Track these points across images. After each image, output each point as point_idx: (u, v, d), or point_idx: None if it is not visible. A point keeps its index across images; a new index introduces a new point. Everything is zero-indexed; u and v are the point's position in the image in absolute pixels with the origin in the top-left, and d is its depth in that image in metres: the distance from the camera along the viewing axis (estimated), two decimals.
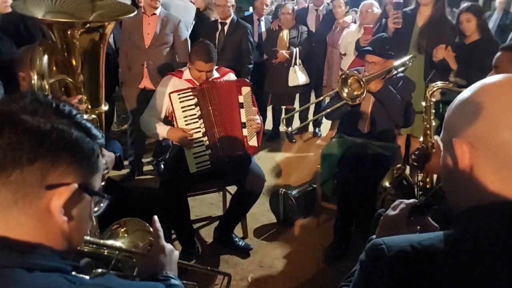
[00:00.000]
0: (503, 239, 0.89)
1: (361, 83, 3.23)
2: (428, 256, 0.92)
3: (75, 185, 0.91)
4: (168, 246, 1.47)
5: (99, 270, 1.43)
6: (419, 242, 0.95)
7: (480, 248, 0.89)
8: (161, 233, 1.49)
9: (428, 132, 2.42)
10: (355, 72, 3.33)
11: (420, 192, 2.36)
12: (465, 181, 0.96)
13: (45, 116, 0.89)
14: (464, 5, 4.16)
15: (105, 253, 1.49)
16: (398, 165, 2.71)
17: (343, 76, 3.33)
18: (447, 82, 2.50)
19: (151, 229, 1.58)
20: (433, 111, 2.47)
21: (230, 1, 4.94)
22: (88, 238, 1.38)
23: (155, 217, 1.54)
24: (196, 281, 2.05)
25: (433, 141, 2.41)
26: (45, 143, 0.87)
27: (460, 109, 0.99)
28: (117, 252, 1.48)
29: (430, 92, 2.41)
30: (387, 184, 2.61)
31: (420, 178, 2.44)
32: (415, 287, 0.92)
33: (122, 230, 1.63)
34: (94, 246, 1.43)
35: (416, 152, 2.44)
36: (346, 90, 3.33)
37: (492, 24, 6.84)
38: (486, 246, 0.89)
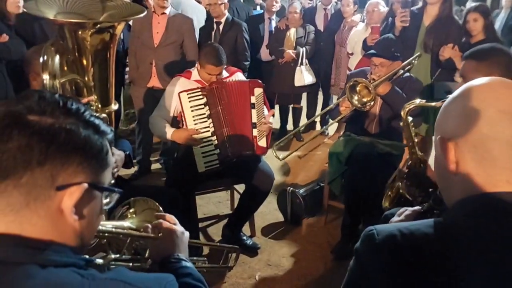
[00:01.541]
0: (487, 227, 0.94)
1: (370, 89, 3.25)
2: (414, 239, 0.99)
3: (85, 185, 0.92)
4: (179, 228, 1.49)
5: (112, 256, 1.45)
6: (406, 227, 1.02)
7: (465, 236, 0.95)
8: (172, 216, 1.51)
9: (413, 149, 2.42)
10: (364, 79, 3.33)
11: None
12: (454, 176, 1.03)
13: (53, 116, 0.90)
14: (472, 4, 4.16)
15: (118, 237, 1.51)
16: (391, 183, 2.72)
17: (351, 83, 3.33)
18: (421, 100, 2.48)
19: (159, 207, 1.60)
20: (413, 128, 2.46)
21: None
22: (100, 228, 1.39)
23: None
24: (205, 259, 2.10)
25: (419, 156, 2.41)
26: (54, 144, 0.87)
27: (445, 109, 1.08)
28: (128, 239, 1.50)
29: (407, 110, 2.40)
30: (387, 205, 2.63)
31: (417, 192, 2.45)
32: (404, 269, 0.97)
33: (131, 210, 1.65)
34: (106, 234, 1.45)
35: (406, 171, 2.45)
36: (356, 98, 3.35)
37: (499, 23, 6.81)
38: (471, 234, 0.95)
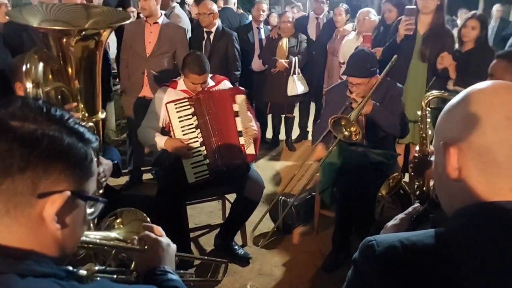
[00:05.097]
0: (489, 238, 0.91)
1: (352, 120, 3.23)
2: (415, 251, 0.96)
3: (68, 193, 0.90)
4: (165, 240, 1.46)
5: (96, 268, 1.43)
6: (407, 238, 0.99)
7: (467, 246, 0.92)
8: (158, 227, 1.49)
9: (424, 141, 2.41)
10: (344, 115, 3.31)
11: (417, 201, 2.35)
12: (455, 183, 0.99)
13: (36, 122, 0.88)
14: (475, 11, 4.21)
15: (104, 248, 1.49)
16: (395, 174, 2.71)
17: (333, 120, 3.30)
18: (443, 91, 2.48)
19: (147, 218, 1.58)
20: (429, 120, 2.46)
21: (211, 9, 4.93)
22: (84, 238, 1.37)
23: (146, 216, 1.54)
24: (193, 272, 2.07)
25: (429, 150, 2.40)
26: (36, 151, 0.86)
27: (448, 114, 1.04)
28: (113, 251, 1.47)
29: (426, 101, 2.40)
30: (383, 193, 2.62)
31: (416, 186, 2.44)
32: (405, 281, 0.95)
33: (118, 221, 1.63)
34: (91, 246, 1.43)
35: (415, 160, 2.44)
36: (343, 130, 3.34)
37: (489, 32, 6.89)
38: (473, 245, 0.92)
